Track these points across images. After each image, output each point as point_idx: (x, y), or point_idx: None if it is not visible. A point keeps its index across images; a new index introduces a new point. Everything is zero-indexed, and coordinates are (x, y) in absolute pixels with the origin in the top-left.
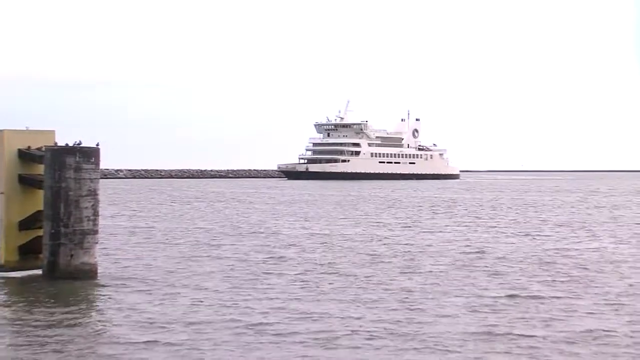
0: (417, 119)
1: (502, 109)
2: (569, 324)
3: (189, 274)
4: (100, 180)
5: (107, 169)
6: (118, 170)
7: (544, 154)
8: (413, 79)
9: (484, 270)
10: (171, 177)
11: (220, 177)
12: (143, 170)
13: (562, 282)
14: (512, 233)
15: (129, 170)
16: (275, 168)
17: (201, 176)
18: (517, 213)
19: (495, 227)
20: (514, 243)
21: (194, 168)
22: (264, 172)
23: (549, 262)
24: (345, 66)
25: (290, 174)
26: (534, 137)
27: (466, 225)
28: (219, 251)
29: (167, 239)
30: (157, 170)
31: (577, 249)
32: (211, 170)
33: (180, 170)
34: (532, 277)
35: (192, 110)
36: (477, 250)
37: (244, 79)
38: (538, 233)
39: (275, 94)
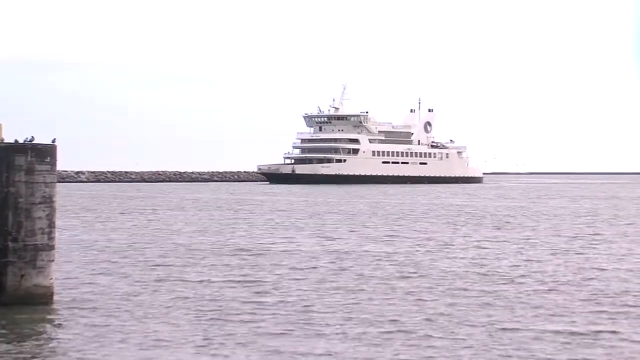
0: (430, 110)
1: (531, 98)
2: None
3: (157, 301)
4: (57, 184)
5: (66, 171)
6: (79, 172)
7: (568, 154)
8: (425, 60)
9: None
10: (143, 180)
11: (203, 180)
12: (109, 172)
13: None
14: None
15: (92, 172)
16: (255, 169)
17: (180, 179)
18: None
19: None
20: None
21: (170, 170)
22: (245, 174)
23: None
24: (340, 44)
25: (272, 176)
26: (561, 136)
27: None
28: (192, 274)
29: (138, 256)
30: (126, 172)
31: None
32: (192, 173)
33: (154, 173)
34: None
35: (162, 101)
36: None
37: (218, 64)
38: None
39: (256, 79)
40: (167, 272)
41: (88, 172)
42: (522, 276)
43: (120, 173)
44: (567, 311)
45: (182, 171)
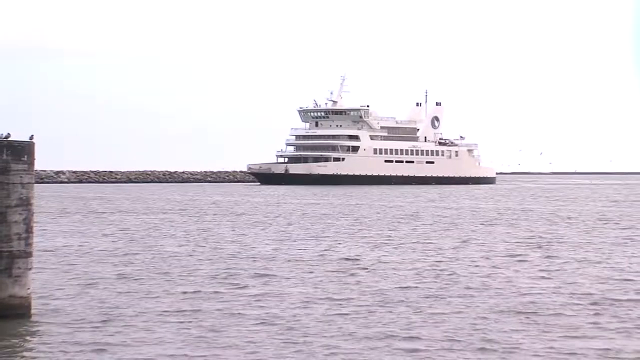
0: (437, 104)
1: (551, 89)
2: None
3: (144, 313)
4: (36, 185)
5: (45, 171)
6: (59, 172)
7: (593, 152)
8: (432, 49)
9: None
10: (130, 181)
11: (195, 180)
12: (92, 172)
13: None
14: None
15: (74, 172)
16: (245, 169)
17: (170, 179)
18: None
19: None
20: None
21: (159, 170)
22: (242, 174)
23: None
24: (338, 32)
25: (263, 177)
26: (585, 132)
27: None
28: (181, 285)
29: (122, 265)
30: (110, 172)
31: None
32: (183, 173)
33: (141, 173)
34: None
35: (150, 95)
36: None
37: (207, 55)
38: None
39: (247, 70)
40: (153, 282)
41: (69, 171)
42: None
43: (104, 173)
44: None
45: (173, 171)
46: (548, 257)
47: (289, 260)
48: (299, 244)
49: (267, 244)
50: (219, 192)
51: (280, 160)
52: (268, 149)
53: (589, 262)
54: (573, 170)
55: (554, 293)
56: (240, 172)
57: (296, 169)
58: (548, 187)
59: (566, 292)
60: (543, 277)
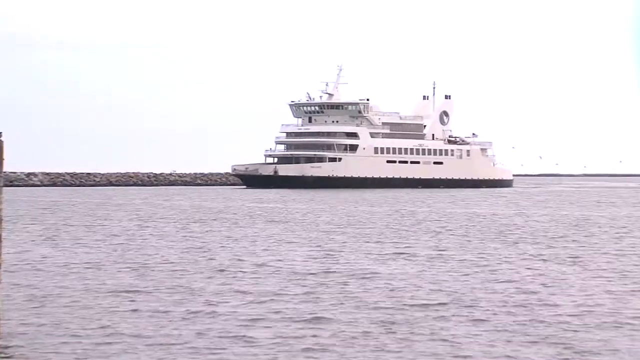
0: (446, 97)
1: (576, 81)
2: None
3: (120, 337)
4: (4, 188)
5: (15, 173)
6: (30, 174)
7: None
8: (440, 35)
9: None
10: (110, 184)
11: (183, 183)
12: (68, 174)
13: None
14: None
15: (47, 174)
16: (229, 170)
17: (156, 182)
18: None
19: None
20: None
21: (143, 171)
22: (226, 177)
23: None
24: (334, 17)
25: (250, 179)
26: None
27: None
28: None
29: (100, 279)
30: (88, 174)
31: None
32: (170, 175)
33: (123, 175)
34: None
35: (133, 89)
36: None
37: (190, 46)
38: None
39: (233, 61)
40: (134, 299)
41: (42, 173)
42: None
43: (81, 175)
44: None
45: (158, 173)
46: None
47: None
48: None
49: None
50: (189, 195)
51: (269, 160)
52: (255, 147)
53: None
54: (582, 172)
55: None
56: (226, 173)
57: (287, 170)
58: (578, 190)
59: None
60: None
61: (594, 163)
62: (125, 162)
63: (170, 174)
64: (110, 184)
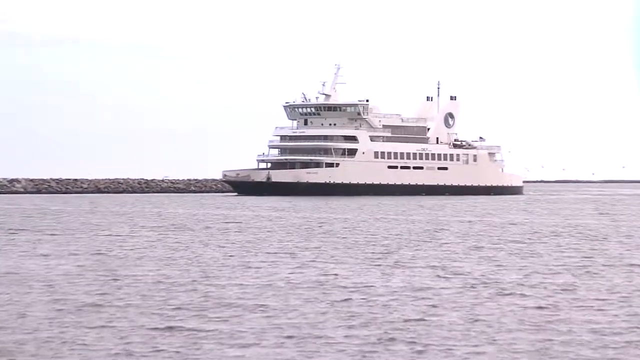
0: (452, 98)
1: (590, 81)
2: None
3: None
4: None
5: None
6: (13, 180)
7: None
8: (445, 33)
9: None
10: (99, 190)
11: (176, 190)
12: (53, 180)
13: None
14: None
15: (31, 180)
16: (220, 177)
17: (147, 189)
18: None
19: None
20: None
21: (133, 177)
22: (213, 183)
23: None
24: (332, 13)
25: (241, 186)
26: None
27: None
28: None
29: (86, 293)
30: (75, 180)
31: None
32: (163, 181)
33: (112, 181)
34: None
35: (120, 87)
36: None
37: (180, 41)
38: None
39: (224, 60)
40: (119, 316)
41: (25, 180)
42: None
43: (67, 181)
44: None
45: (150, 179)
46: None
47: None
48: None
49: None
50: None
51: (262, 165)
52: (247, 152)
53: None
54: (587, 179)
55: None
56: (218, 180)
57: (281, 176)
58: (599, 198)
59: None
60: None
61: (597, 169)
62: (115, 167)
63: (163, 180)
64: (99, 190)
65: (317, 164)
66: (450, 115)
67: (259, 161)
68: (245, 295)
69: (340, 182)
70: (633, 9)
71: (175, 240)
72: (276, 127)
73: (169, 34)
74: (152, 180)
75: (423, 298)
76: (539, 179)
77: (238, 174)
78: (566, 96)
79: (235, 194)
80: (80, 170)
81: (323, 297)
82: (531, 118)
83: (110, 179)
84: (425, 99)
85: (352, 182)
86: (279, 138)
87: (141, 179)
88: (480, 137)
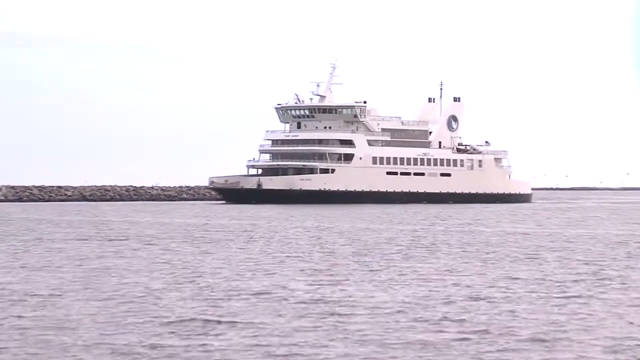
0: (455, 99)
1: (602, 81)
2: None
3: None
4: None
5: None
6: None
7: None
8: (448, 30)
9: None
10: (84, 198)
11: (167, 198)
12: (36, 187)
13: None
14: None
15: (11, 187)
16: (207, 184)
17: (135, 197)
18: None
19: None
20: None
21: (121, 184)
22: (203, 190)
23: None
24: (327, 9)
25: (229, 193)
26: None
27: None
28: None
29: (70, 310)
30: (59, 187)
31: None
32: (153, 188)
33: (99, 188)
34: None
35: (107, 89)
36: None
37: (168, 41)
38: None
39: (213, 59)
40: (102, 332)
41: (6, 187)
42: None
43: (50, 189)
44: None
45: (138, 186)
46: None
47: None
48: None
49: None
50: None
51: (252, 171)
52: (235, 157)
53: None
54: (592, 185)
55: None
56: (197, 187)
57: (272, 183)
58: (621, 206)
59: None
60: None
61: (602, 176)
62: (101, 173)
63: (152, 188)
64: (84, 198)
65: (311, 170)
66: (454, 117)
67: (248, 167)
68: None
69: (335, 189)
70: (633, 9)
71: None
72: (267, 131)
73: (153, 35)
74: (142, 187)
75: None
76: (548, 186)
77: (226, 181)
78: (566, 98)
79: (223, 202)
80: (65, 177)
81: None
82: (541, 120)
83: (96, 186)
84: (427, 100)
85: (348, 189)
86: (270, 142)
87: (130, 186)
88: (486, 142)
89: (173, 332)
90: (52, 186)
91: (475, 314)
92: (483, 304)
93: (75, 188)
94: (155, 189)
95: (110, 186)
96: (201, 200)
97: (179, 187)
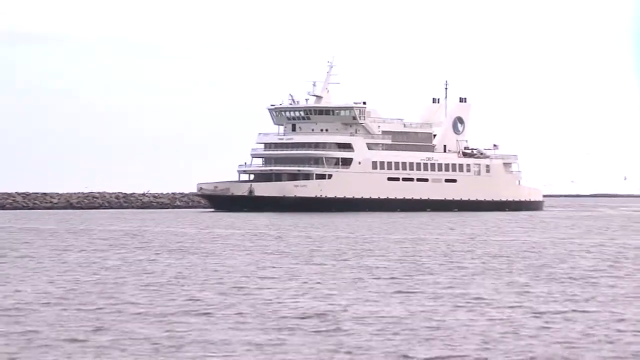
0: (461, 100)
1: (614, 81)
2: None
3: None
4: None
5: None
6: None
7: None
8: (454, 27)
9: None
10: (71, 206)
11: (160, 206)
12: (19, 194)
13: None
14: None
15: None
16: (195, 190)
17: (126, 204)
18: None
19: None
20: None
21: (110, 191)
22: (190, 198)
23: None
24: (324, 5)
25: (219, 200)
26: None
27: None
28: None
29: (60, 321)
30: (45, 194)
31: None
32: (144, 195)
33: (86, 196)
34: None
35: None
36: None
37: (157, 38)
38: None
39: (202, 57)
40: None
41: None
42: None
43: (35, 196)
44: None
45: (129, 193)
46: None
47: None
48: None
49: None
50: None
51: (244, 177)
52: (226, 162)
53: None
54: (594, 192)
55: None
56: (191, 194)
57: (265, 189)
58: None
59: None
60: None
61: (599, 182)
62: (89, 180)
63: (144, 194)
64: (71, 206)
65: (307, 176)
66: (460, 119)
67: (240, 172)
68: None
69: (332, 196)
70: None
71: None
72: (260, 134)
73: (141, 38)
74: (132, 194)
75: None
76: (560, 193)
77: (216, 187)
78: (583, 98)
79: (212, 209)
80: (50, 183)
81: None
82: (553, 123)
83: (83, 193)
84: (431, 101)
85: (346, 196)
86: (263, 146)
87: (119, 192)
88: (494, 145)
89: None
90: (37, 193)
91: None
92: None
93: (61, 195)
94: (147, 196)
95: (98, 193)
96: (195, 208)
97: (172, 194)
